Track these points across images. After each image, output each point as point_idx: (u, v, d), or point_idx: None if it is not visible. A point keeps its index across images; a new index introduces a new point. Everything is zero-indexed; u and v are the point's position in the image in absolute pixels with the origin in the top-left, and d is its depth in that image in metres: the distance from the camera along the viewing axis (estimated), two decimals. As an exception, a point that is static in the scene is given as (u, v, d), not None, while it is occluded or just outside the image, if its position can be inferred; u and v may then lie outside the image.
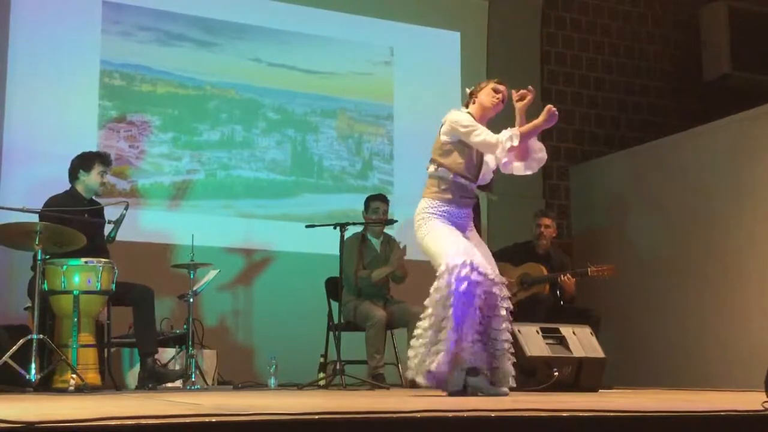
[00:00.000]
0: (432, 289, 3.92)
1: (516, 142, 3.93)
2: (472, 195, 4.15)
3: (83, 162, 5.26)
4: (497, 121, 4.21)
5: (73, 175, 5.26)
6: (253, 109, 6.96)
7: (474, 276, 3.85)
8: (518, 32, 7.88)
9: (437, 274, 3.92)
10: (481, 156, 4.15)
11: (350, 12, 7.34)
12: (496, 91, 4.16)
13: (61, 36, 6.35)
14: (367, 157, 7.28)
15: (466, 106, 4.26)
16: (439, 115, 7.57)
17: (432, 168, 4.12)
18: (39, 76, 6.24)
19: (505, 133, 3.96)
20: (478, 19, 7.80)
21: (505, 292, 4.05)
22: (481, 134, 3.99)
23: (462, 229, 4.08)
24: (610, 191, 7.78)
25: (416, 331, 3.97)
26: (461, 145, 4.08)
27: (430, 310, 3.90)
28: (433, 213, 4.04)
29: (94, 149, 5.67)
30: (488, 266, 3.98)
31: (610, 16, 8.50)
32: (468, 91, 4.28)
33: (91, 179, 5.24)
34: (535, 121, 4.00)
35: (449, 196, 4.06)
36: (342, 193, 7.08)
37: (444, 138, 4.11)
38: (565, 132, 8.17)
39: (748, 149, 6.61)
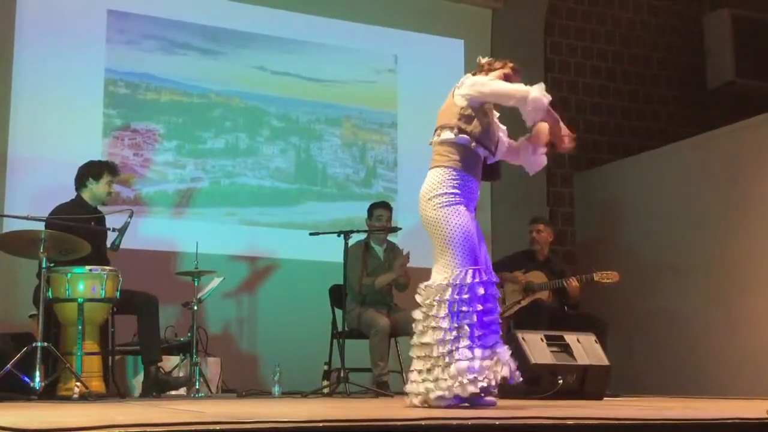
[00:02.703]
0: (430, 294, 3.58)
1: (549, 97, 3.63)
2: (481, 169, 3.78)
3: (92, 170, 5.27)
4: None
5: (80, 183, 5.27)
6: (258, 117, 6.97)
7: (483, 279, 3.58)
8: (522, 40, 7.88)
9: (442, 279, 3.58)
10: (497, 129, 3.82)
11: (354, 20, 7.35)
12: (507, 79, 3.85)
13: (65, 45, 6.37)
14: (371, 164, 7.29)
15: None
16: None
17: (448, 134, 3.72)
18: (44, 84, 6.26)
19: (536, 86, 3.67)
20: (482, 27, 7.80)
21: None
22: (512, 84, 3.69)
23: (472, 209, 3.72)
24: (615, 198, 7.76)
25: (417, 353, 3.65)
26: (481, 112, 3.73)
27: (434, 324, 3.55)
28: (450, 189, 3.64)
29: (98, 158, 5.68)
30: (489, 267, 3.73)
31: (613, 23, 8.51)
32: (480, 60, 3.94)
33: (99, 188, 5.25)
34: (560, 125, 3.76)
35: (463, 165, 3.68)
36: (346, 201, 7.08)
37: (462, 102, 3.75)
38: (569, 139, 8.16)
39: (752, 156, 6.60)
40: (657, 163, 7.44)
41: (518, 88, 3.70)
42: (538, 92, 3.65)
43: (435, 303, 3.58)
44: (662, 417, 2.55)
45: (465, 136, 3.70)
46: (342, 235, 5.61)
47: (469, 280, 3.56)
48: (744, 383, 6.26)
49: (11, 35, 6.23)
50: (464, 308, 3.53)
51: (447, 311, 3.54)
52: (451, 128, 3.72)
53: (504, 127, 3.92)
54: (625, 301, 7.18)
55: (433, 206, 3.65)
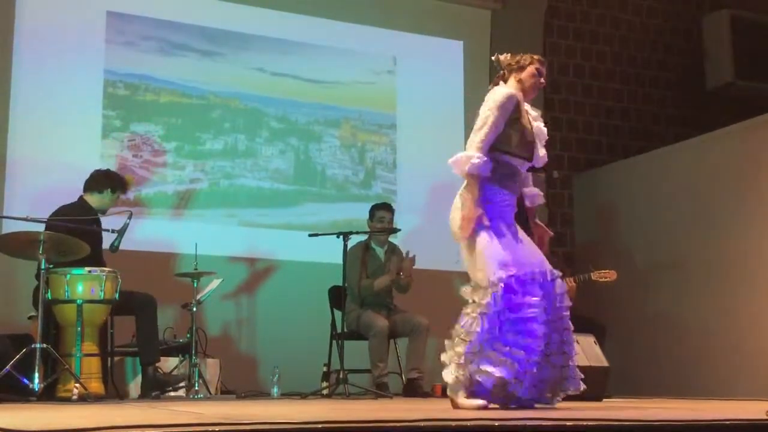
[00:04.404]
0: (469, 303, 3.54)
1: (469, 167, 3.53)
2: (518, 183, 3.73)
3: (113, 182, 5.31)
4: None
5: (93, 187, 5.27)
6: (257, 118, 6.97)
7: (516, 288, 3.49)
8: (521, 41, 7.87)
9: (477, 284, 3.54)
10: (532, 131, 3.72)
11: (353, 21, 7.35)
12: (539, 73, 3.77)
13: (64, 46, 6.37)
14: (370, 165, 7.29)
15: (501, 79, 3.81)
16: (441, 124, 7.62)
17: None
18: (43, 86, 6.25)
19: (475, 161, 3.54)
20: (481, 29, 7.81)
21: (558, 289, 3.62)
22: (473, 142, 3.58)
23: (507, 219, 3.64)
24: (614, 200, 7.77)
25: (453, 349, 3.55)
26: (510, 123, 3.65)
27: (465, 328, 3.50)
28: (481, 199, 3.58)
29: (97, 159, 5.69)
30: (534, 265, 3.61)
31: (612, 25, 8.51)
32: (500, 60, 3.81)
33: (110, 200, 5.27)
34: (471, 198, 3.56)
35: (498, 179, 3.61)
36: (345, 202, 7.08)
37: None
38: (568, 140, 8.18)
39: (751, 157, 6.61)
40: (656, 164, 7.44)
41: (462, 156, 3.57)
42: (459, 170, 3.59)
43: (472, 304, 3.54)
44: (661, 418, 2.55)
45: (493, 153, 3.62)
46: (341, 237, 5.61)
47: (496, 277, 3.47)
48: (743, 384, 6.26)
49: (10, 36, 6.23)
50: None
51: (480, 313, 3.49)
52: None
53: (542, 127, 3.81)
54: (624, 303, 7.18)
55: (456, 221, 3.62)
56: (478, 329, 3.47)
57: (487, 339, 3.49)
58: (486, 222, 3.59)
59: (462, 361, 3.49)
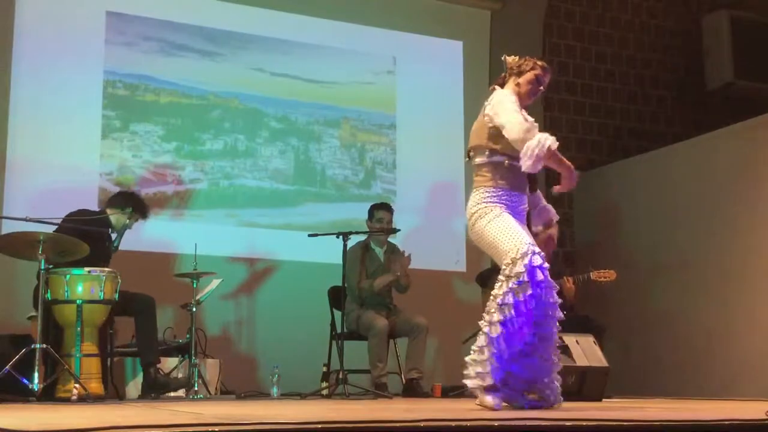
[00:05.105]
0: (496, 287, 3.51)
1: (554, 146, 3.59)
2: (526, 181, 3.77)
3: (133, 202, 5.33)
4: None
5: (117, 202, 5.30)
6: (256, 118, 6.97)
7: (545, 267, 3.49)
8: (521, 42, 7.88)
9: (504, 264, 3.51)
10: None
11: (353, 22, 7.35)
12: (538, 80, 3.77)
13: (64, 46, 6.37)
14: (369, 166, 7.29)
15: (502, 83, 3.84)
16: (441, 124, 7.62)
17: (481, 158, 3.70)
18: (42, 86, 6.25)
19: (544, 135, 3.58)
20: (481, 29, 7.81)
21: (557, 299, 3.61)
22: (524, 124, 3.58)
23: (520, 219, 3.69)
24: (614, 200, 7.77)
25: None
26: None
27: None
28: (491, 201, 3.63)
29: (97, 159, 5.69)
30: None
31: (612, 25, 8.51)
32: (507, 61, 3.81)
33: (127, 217, 5.28)
34: (566, 164, 3.72)
35: (505, 182, 3.66)
36: (345, 202, 7.08)
37: (490, 122, 3.69)
38: (568, 141, 8.17)
39: (750, 157, 6.61)
40: (656, 164, 7.44)
41: (523, 132, 3.58)
42: (539, 141, 3.58)
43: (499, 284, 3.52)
44: (661, 418, 2.55)
45: (497, 156, 3.67)
46: (341, 237, 5.61)
47: (525, 251, 3.46)
48: (743, 385, 6.26)
49: (10, 36, 6.22)
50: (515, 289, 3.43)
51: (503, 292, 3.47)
52: (482, 150, 3.70)
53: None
54: (624, 303, 7.18)
55: (473, 223, 3.67)
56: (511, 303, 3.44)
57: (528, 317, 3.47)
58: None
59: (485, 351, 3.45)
